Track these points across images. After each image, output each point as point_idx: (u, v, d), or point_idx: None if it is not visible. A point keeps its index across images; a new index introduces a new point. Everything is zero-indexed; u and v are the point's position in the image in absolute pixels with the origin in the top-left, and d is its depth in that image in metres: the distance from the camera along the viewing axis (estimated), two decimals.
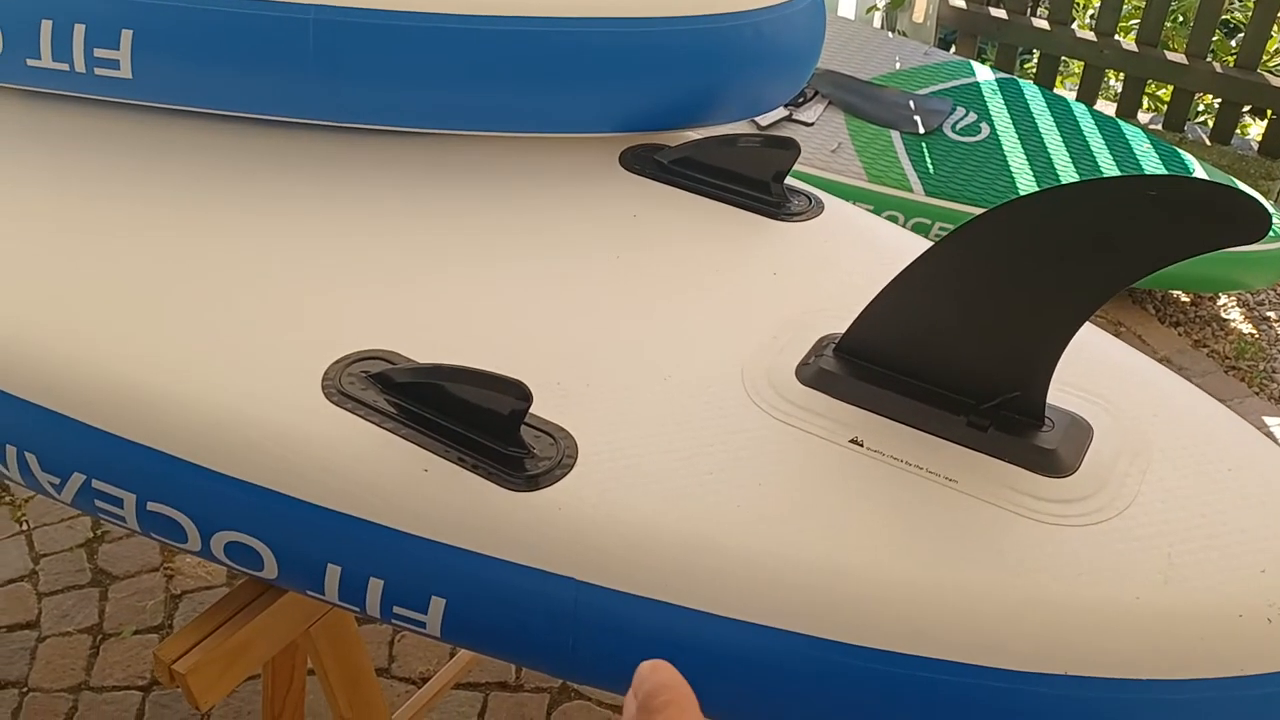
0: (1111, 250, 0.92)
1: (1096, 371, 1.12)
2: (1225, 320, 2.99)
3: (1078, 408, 1.07)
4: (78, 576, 2.27)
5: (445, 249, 1.28)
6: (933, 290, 1.02)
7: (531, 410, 1.03)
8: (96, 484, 1.10)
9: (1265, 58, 3.54)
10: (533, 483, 1.01)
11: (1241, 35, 3.43)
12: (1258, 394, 2.71)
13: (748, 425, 1.07)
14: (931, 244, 1.03)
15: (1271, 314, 3.02)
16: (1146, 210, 0.88)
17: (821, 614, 0.94)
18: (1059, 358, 0.99)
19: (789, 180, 1.40)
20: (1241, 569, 0.93)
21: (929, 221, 2.79)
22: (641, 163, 1.43)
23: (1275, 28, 3.46)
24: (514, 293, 1.22)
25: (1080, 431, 1.04)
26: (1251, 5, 3.39)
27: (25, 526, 2.37)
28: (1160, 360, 2.79)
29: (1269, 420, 2.62)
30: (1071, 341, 0.99)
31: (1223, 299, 3.04)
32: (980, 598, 0.92)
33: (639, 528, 0.98)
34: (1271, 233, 2.74)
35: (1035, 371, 1.00)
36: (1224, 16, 3.74)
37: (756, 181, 1.37)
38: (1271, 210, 2.79)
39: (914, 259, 1.01)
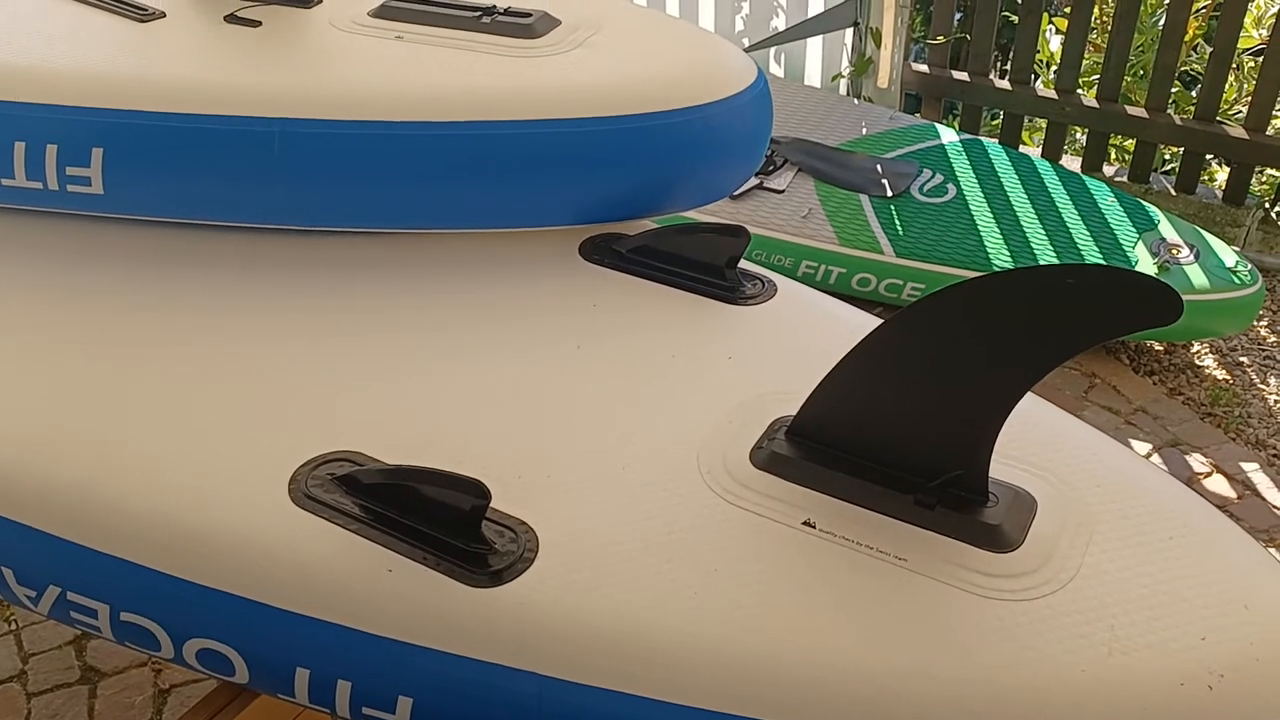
0: (1038, 334, 0.96)
1: (1042, 443, 1.16)
2: (1199, 367, 3.03)
3: (1023, 481, 1.10)
4: (66, 674, 2.27)
5: (409, 345, 1.32)
6: (874, 373, 1.06)
7: (493, 504, 1.06)
8: (71, 596, 1.13)
9: (1225, 107, 3.62)
10: (495, 578, 1.03)
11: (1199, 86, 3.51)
12: (1234, 440, 2.73)
13: (703, 511, 1.10)
14: (880, 321, 1.07)
15: (1245, 359, 3.06)
16: (1068, 298, 0.92)
17: (783, 701, 0.96)
18: (996, 436, 1.02)
19: (743, 264, 1.44)
20: (1183, 637, 0.95)
21: (901, 282, 2.84)
22: (601, 252, 1.48)
23: (1230, 78, 3.53)
24: (476, 386, 1.26)
25: (1024, 505, 1.07)
26: (1206, 57, 3.49)
27: (14, 625, 2.37)
28: (1136, 410, 2.83)
29: (1245, 465, 2.64)
30: (1018, 413, 1.02)
31: (1196, 346, 3.07)
32: (932, 679, 0.94)
33: (599, 620, 1.00)
34: (1240, 280, 2.79)
35: (975, 449, 1.04)
36: (1184, 68, 3.83)
37: (711, 267, 1.41)
38: (1237, 258, 2.85)
39: (855, 345, 1.05)
